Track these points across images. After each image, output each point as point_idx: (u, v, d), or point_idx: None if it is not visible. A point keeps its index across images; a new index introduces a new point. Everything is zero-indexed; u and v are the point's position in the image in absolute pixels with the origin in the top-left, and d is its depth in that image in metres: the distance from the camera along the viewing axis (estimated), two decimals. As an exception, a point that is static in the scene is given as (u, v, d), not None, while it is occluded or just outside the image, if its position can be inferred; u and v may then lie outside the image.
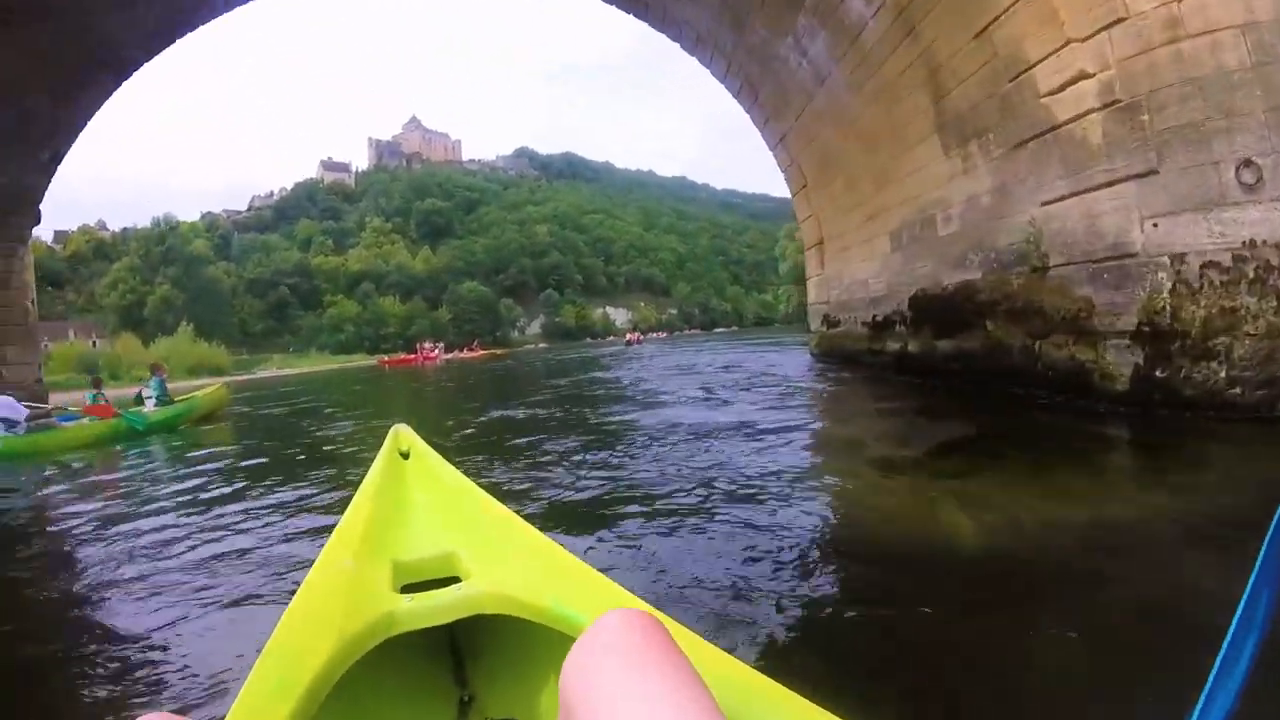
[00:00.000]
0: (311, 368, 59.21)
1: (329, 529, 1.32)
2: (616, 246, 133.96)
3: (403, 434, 1.81)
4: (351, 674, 0.84)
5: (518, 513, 1.38)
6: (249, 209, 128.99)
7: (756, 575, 2.19)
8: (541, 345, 76.45)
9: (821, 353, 11.05)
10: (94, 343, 55.90)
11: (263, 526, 3.38)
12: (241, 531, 3.31)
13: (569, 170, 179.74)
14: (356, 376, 28.98)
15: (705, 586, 2.10)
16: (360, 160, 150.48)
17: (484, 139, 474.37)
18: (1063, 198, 5.09)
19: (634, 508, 3.16)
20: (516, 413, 8.14)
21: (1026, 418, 5.06)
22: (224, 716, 0.72)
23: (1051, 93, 5.01)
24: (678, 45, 11.39)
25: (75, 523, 4.01)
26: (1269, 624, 0.50)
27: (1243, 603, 0.48)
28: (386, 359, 51.55)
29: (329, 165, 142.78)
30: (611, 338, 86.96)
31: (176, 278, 75.99)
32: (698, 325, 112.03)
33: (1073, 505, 2.81)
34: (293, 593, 1.03)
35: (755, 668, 0.78)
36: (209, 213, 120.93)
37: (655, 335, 59.17)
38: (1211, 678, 0.46)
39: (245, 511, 3.76)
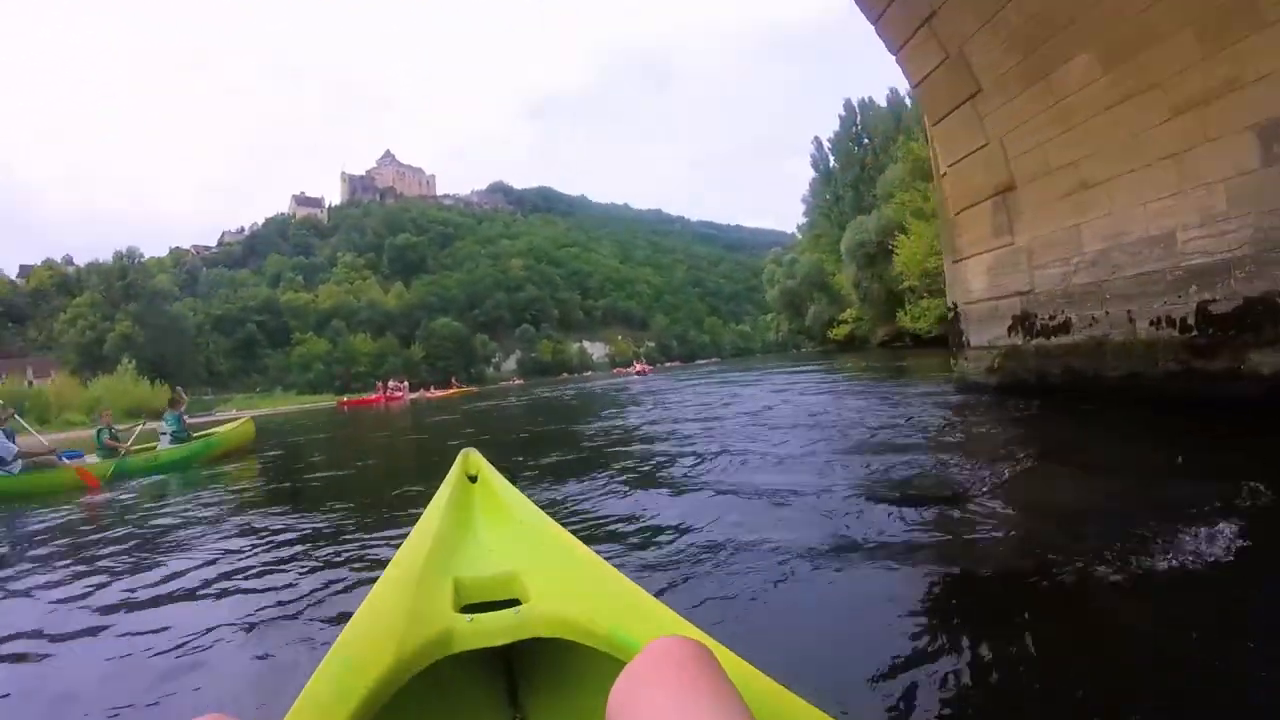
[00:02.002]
0: (272, 409, 55.17)
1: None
2: (593, 280, 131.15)
3: (472, 458, 1.85)
4: (407, 689, 0.84)
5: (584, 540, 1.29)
6: (219, 244, 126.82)
7: (827, 613, 1.95)
8: (517, 381, 71.50)
9: (1003, 382, 6.82)
10: (29, 382, 50.73)
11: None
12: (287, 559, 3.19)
13: (544, 204, 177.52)
14: (303, 424, 23.91)
15: (770, 617, 1.93)
16: (333, 195, 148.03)
17: (459, 175, 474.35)
18: None
19: (699, 535, 2.72)
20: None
21: None
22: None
23: None
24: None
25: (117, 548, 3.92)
26: None
27: None
28: (346, 400, 47.18)
29: (301, 200, 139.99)
30: (589, 372, 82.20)
31: (138, 314, 71.18)
32: (676, 357, 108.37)
33: None
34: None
35: (808, 700, 0.74)
36: (177, 248, 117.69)
37: (645, 368, 54.84)
38: None
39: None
